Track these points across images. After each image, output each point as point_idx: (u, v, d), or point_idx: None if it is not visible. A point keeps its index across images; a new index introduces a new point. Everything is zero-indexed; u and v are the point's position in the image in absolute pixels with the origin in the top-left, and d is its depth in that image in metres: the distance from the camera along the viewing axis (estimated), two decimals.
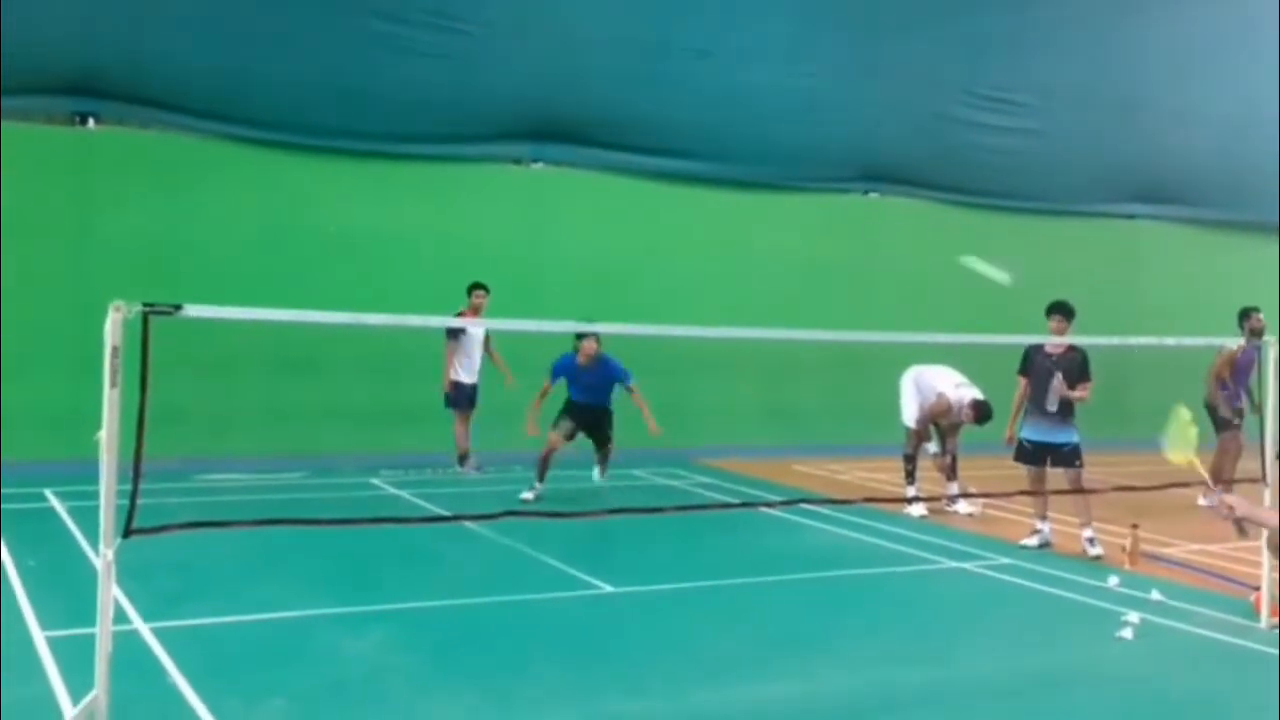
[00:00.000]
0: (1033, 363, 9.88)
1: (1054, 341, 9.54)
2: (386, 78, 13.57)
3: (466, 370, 12.81)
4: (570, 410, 11.58)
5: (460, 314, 11.89)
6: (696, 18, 14.65)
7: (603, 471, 11.92)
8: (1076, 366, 9.63)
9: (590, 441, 11.79)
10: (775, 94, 15.28)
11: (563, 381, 11.56)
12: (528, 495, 11.23)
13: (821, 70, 15.45)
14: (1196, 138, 18.06)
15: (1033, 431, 9.81)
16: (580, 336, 11.06)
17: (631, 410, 11.37)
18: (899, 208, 17.14)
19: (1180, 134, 17.97)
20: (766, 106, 15.29)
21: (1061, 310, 9.74)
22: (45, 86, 12.48)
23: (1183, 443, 6.36)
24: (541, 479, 11.35)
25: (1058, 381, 9.58)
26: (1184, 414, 6.50)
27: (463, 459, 12.95)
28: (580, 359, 11.29)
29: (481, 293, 12.60)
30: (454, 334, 12.58)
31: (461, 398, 12.83)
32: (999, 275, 10.33)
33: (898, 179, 17.08)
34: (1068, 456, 9.66)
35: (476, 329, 12.64)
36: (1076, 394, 9.60)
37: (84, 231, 12.58)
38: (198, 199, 13.10)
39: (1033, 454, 9.81)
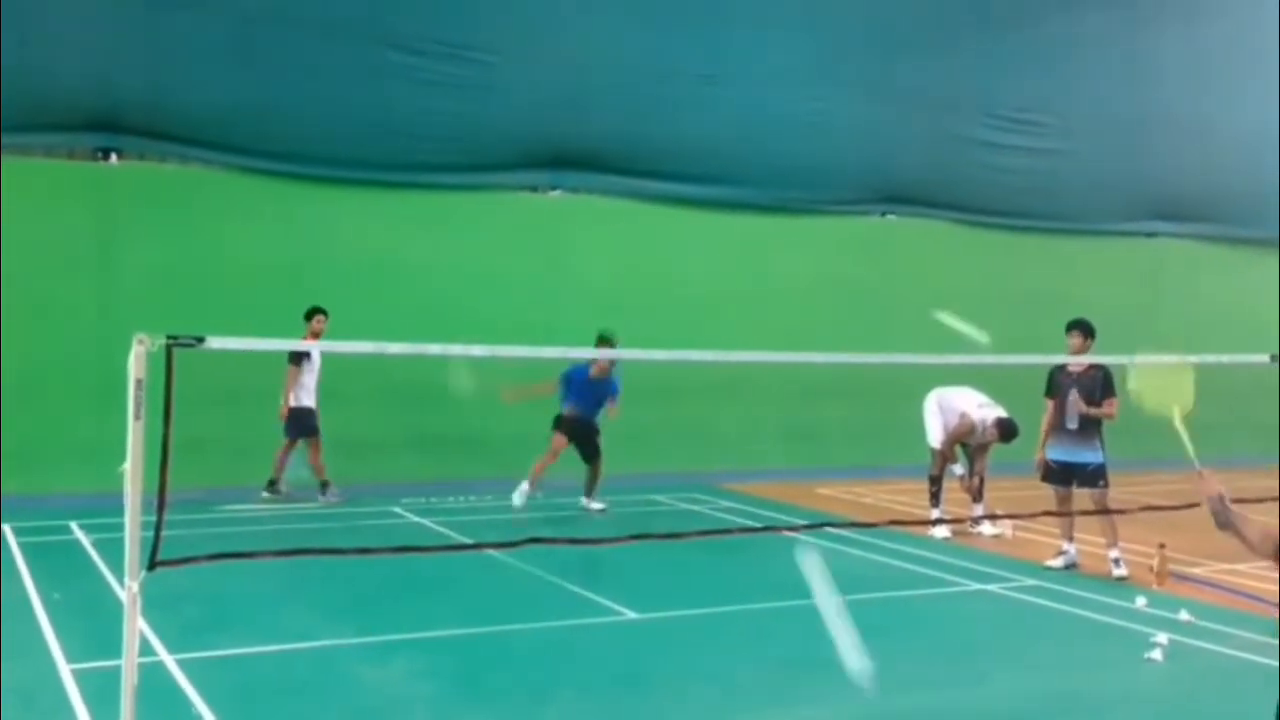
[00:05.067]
0: (1056, 383, 9.82)
1: (1076, 360, 9.51)
2: (403, 109, 13.67)
3: (309, 394, 12.31)
4: (561, 424, 12.07)
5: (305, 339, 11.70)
6: (712, 43, 14.72)
7: (592, 494, 12.22)
8: (1098, 384, 9.56)
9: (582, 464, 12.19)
10: (792, 118, 15.33)
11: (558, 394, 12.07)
12: (518, 501, 11.78)
13: (838, 93, 15.50)
14: (1217, 155, 17.99)
15: (1058, 451, 9.74)
16: (603, 341, 11.37)
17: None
18: (917, 229, 17.12)
19: (1201, 151, 17.91)
20: (783, 130, 15.32)
21: (1080, 327, 9.69)
22: (67, 123, 12.60)
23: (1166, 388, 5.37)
24: (533, 486, 11.87)
25: (1074, 397, 9.54)
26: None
27: (324, 486, 12.43)
28: (594, 371, 11.78)
29: (321, 317, 12.14)
30: (297, 359, 12.10)
31: (306, 423, 12.35)
32: (975, 333, 10.20)
33: (915, 201, 17.06)
34: (1091, 477, 9.58)
35: (319, 355, 12.12)
36: (1098, 411, 9.54)
37: (106, 265, 12.68)
38: (218, 232, 13.17)
39: (1059, 474, 9.75)
